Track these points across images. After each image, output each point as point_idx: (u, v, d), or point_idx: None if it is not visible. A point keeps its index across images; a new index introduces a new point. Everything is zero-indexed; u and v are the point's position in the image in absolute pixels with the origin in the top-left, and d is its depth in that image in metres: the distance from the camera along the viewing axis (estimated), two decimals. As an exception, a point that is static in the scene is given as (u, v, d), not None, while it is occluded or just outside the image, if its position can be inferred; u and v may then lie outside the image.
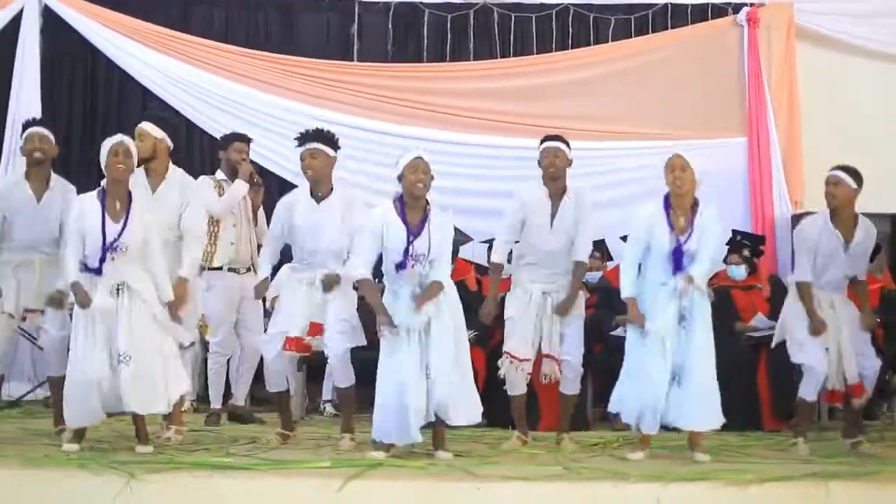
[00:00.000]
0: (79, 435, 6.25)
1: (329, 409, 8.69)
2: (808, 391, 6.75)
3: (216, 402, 8.04)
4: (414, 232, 6.19)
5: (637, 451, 6.28)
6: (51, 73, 10.30)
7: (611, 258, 9.28)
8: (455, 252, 8.38)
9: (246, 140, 8.10)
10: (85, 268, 6.19)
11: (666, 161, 6.37)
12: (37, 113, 9.97)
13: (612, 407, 6.55)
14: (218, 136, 10.05)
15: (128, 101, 10.38)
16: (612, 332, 8.37)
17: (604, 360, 8.19)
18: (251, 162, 8.16)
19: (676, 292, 6.21)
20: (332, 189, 6.76)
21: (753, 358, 8.07)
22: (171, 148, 7.01)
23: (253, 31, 10.62)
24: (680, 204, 6.32)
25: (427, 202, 6.28)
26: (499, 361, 6.84)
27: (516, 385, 6.82)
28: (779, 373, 8.11)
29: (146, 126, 6.96)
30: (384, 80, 10.37)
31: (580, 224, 6.74)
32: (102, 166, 6.30)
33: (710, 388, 6.24)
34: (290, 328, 6.58)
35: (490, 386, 7.85)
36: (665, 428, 6.35)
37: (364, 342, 6.68)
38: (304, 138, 6.73)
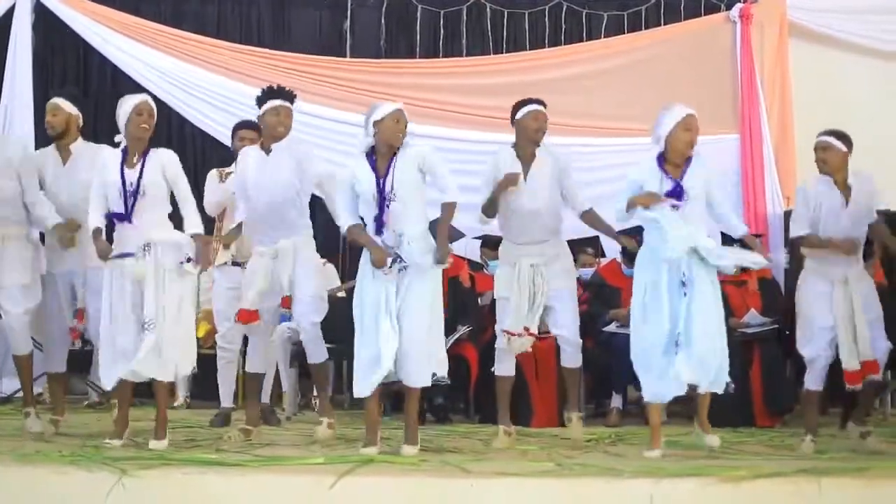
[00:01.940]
0: (120, 430, 6.33)
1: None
2: (810, 381, 6.67)
3: (226, 401, 7.83)
4: (382, 174, 6.12)
5: (654, 449, 6.19)
6: (43, 68, 10.30)
7: (603, 254, 9.29)
8: (448, 248, 8.38)
9: (251, 126, 7.80)
10: (113, 220, 6.30)
11: (679, 118, 6.37)
12: (29, 108, 9.99)
13: (637, 368, 6.40)
14: (210, 131, 10.09)
15: (120, 96, 10.27)
16: (605, 328, 8.37)
17: (596, 356, 8.20)
18: None
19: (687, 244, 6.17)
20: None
21: (746, 354, 8.08)
22: (81, 125, 7.10)
23: (245, 27, 10.63)
24: (676, 159, 6.30)
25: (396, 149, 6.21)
26: (496, 342, 6.73)
27: (505, 365, 6.73)
28: (772, 369, 8.13)
29: (59, 101, 7.04)
30: (377, 76, 10.38)
31: (564, 179, 6.70)
32: (122, 123, 6.41)
33: (714, 351, 6.17)
34: (257, 300, 6.59)
35: (482, 383, 7.87)
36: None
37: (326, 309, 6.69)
38: (271, 94, 6.67)
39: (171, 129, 10.32)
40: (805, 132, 10.18)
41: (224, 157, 9.98)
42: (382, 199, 6.11)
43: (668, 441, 6.37)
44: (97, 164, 6.53)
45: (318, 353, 6.75)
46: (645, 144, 9.72)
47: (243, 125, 7.90)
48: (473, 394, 8.26)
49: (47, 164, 7.00)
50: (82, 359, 7.68)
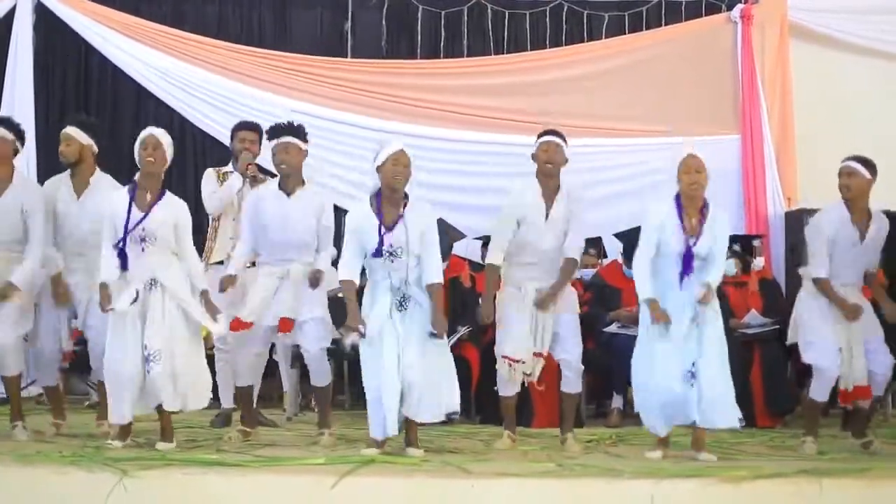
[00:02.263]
0: (125, 432, 6.30)
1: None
2: (819, 392, 6.62)
3: (226, 402, 7.75)
4: (388, 225, 6.11)
5: (656, 450, 6.20)
6: (44, 69, 10.29)
7: (605, 255, 9.28)
8: (449, 249, 8.38)
9: (251, 128, 7.83)
10: (119, 263, 6.27)
11: (680, 161, 6.23)
12: (30, 109, 9.99)
13: (638, 407, 6.40)
14: (210, 131, 10.09)
15: (121, 97, 10.38)
16: (606, 329, 8.37)
17: (597, 357, 8.20)
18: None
19: (692, 299, 6.15)
20: (302, 183, 6.72)
21: (747, 355, 8.07)
22: (97, 153, 6.98)
23: (246, 28, 10.62)
24: (692, 205, 6.24)
25: (405, 196, 6.20)
26: (497, 366, 6.68)
27: (509, 386, 6.70)
28: (772, 370, 8.13)
29: (71, 130, 6.92)
30: (378, 77, 10.38)
31: (572, 221, 6.61)
32: (137, 160, 6.39)
33: (724, 386, 6.16)
34: (258, 315, 6.60)
35: (483, 383, 7.87)
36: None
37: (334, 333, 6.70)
38: (275, 132, 6.69)
39: (171, 129, 10.16)
40: (806, 132, 10.23)
41: (225, 157, 10.00)
42: (379, 254, 6.11)
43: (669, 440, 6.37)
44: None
45: (322, 376, 6.77)
46: (646, 144, 9.87)
47: (243, 126, 7.88)
48: (474, 394, 8.25)
49: (60, 194, 6.93)
50: (82, 359, 7.66)
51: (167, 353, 6.14)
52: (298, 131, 6.70)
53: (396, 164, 6.12)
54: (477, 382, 8.08)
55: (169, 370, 6.15)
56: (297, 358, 7.97)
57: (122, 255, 6.26)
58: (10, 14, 10.19)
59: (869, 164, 6.61)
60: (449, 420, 6.39)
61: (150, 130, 6.42)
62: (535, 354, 6.59)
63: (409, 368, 6.05)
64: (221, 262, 7.65)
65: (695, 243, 6.16)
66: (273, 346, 8.02)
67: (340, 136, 10.01)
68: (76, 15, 10.23)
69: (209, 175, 7.78)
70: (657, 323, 6.16)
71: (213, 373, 7.87)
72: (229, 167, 7.82)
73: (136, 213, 6.25)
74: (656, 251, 6.25)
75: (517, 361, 6.55)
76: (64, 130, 6.98)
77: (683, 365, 6.12)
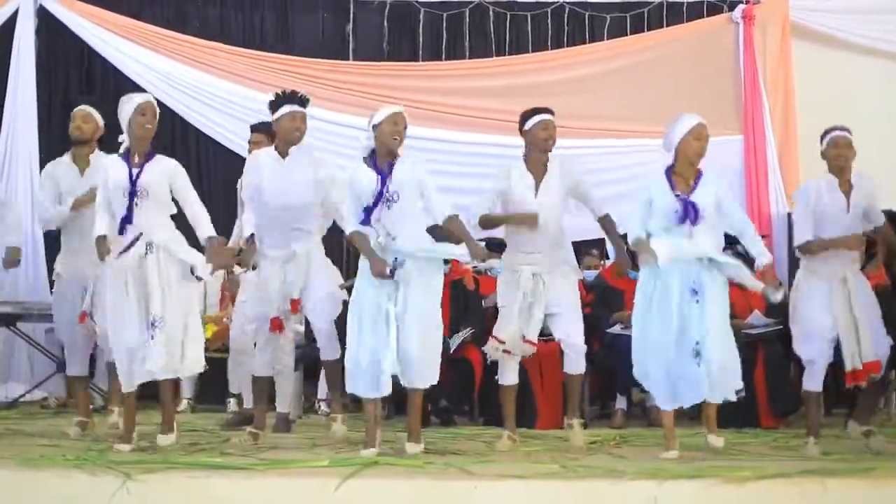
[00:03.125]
0: (129, 424, 6.36)
1: (324, 408, 8.68)
2: (810, 383, 6.63)
3: (282, 406, 7.55)
4: (384, 172, 6.17)
5: (670, 450, 6.17)
6: (46, 73, 10.30)
7: (607, 257, 9.28)
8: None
9: (257, 129, 7.86)
10: (118, 226, 6.30)
11: (691, 128, 6.33)
12: (33, 113, 10.01)
13: (637, 375, 6.43)
14: (213, 135, 10.11)
15: (133, 94, 10.36)
16: (609, 330, 8.37)
17: (601, 358, 8.20)
18: None
19: (695, 262, 6.17)
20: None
21: (750, 356, 8.06)
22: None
23: (248, 31, 10.63)
24: (689, 170, 6.30)
25: (396, 156, 6.26)
26: (484, 347, 6.73)
27: (508, 374, 6.71)
28: (775, 371, 8.12)
29: (91, 110, 7.21)
30: (380, 79, 10.39)
31: (580, 187, 6.68)
32: (125, 123, 6.44)
33: (729, 362, 6.20)
34: (273, 310, 6.63)
35: (487, 385, 7.86)
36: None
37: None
38: (290, 100, 6.73)
39: (174, 132, 10.32)
40: (808, 133, 10.18)
41: (227, 160, 10.03)
42: (379, 198, 6.14)
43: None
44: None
45: (331, 349, 6.80)
46: (648, 145, 9.86)
47: (252, 129, 7.91)
48: (478, 396, 8.26)
49: (62, 175, 7.04)
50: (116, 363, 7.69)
51: (166, 319, 6.17)
52: (304, 101, 6.77)
53: (395, 124, 6.23)
54: (480, 384, 8.08)
55: (165, 338, 6.17)
56: (300, 360, 7.97)
57: (124, 220, 6.28)
58: (13, 18, 10.21)
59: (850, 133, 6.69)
60: (438, 387, 6.43)
61: (148, 96, 6.58)
62: (524, 340, 6.59)
63: (407, 341, 6.06)
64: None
65: (690, 194, 6.21)
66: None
67: (342, 138, 10.00)
68: (78, 18, 10.25)
69: None
70: (647, 257, 6.22)
71: (222, 374, 7.99)
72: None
73: (132, 172, 6.31)
74: (658, 223, 6.27)
75: (502, 342, 6.57)
76: (83, 107, 7.27)
77: (683, 335, 6.14)
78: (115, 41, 10.24)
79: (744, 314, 8.32)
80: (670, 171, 6.34)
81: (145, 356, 6.18)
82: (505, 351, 6.61)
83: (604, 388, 8.62)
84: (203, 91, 10.19)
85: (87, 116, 7.20)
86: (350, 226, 6.27)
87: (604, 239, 8.97)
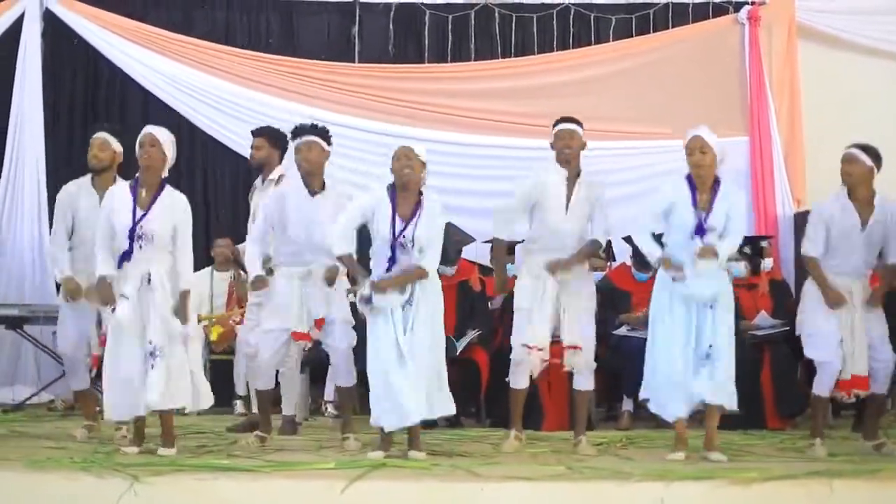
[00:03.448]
0: (139, 437, 6.36)
1: (331, 410, 8.68)
2: (821, 387, 6.64)
3: (288, 409, 7.57)
4: (403, 218, 6.22)
5: (677, 452, 6.18)
6: (52, 76, 10.30)
7: (614, 258, 9.27)
8: (458, 253, 8.39)
9: (258, 134, 7.86)
10: (117, 261, 6.32)
11: (686, 142, 6.36)
12: (39, 116, 10.01)
13: (643, 393, 6.45)
14: (219, 137, 10.11)
15: (129, 103, 10.38)
16: (615, 332, 8.36)
17: (607, 360, 8.19)
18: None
19: (706, 279, 6.20)
20: (324, 184, 6.75)
21: (756, 357, 8.06)
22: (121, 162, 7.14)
23: (254, 33, 10.62)
24: (702, 183, 6.32)
25: (421, 193, 6.30)
26: (513, 354, 6.67)
27: (520, 378, 6.69)
28: (782, 372, 8.11)
29: (109, 137, 7.12)
30: (385, 82, 10.38)
31: (595, 207, 6.65)
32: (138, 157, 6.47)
33: (731, 371, 6.22)
34: (293, 323, 6.59)
35: (493, 386, 7.87)
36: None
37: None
38: (299, 131, 6.76)
39: (180, 135, 10.25)
40: (814, 133, 10.21)
41: (233, 162, 10.03)
42: (395, 243, 6.21)
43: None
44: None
45: (348, 375, 6.80)
46: (654, 147, 9.86)
47: (253, 133, 7.92)
48: (484, 398, 8.25)
49: (80, 199, 7.04)
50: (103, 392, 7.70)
51: (165, 348, 6.17)
52: (322, 132, 6.77)
53: (399, 159, 6.29)
54: (486, 386, 8.07)
55: (165, 366, 6.16)
56: (307, 363, 7.98)
57: (124, 256, 6.29)
58: (19, 21, 10.20)
59: (870, 152, 6.68)
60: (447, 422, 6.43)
61: (148, 129, 6.49)
62: (566, 347, 6.60)
63: (413, 373, 6.10)
64: None
65: (706, 217, 6.23)
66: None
67: (348, 140, 9.97)
68: (84, 22, 10.25)
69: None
70: (673, 274, 6.25)
71: (228, 376, 7.98)
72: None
73: (137, 212, 6.29)
74: (668, 227, 6.33)
75: (536, 349, 6.55)
76: (99, 135, 7.18)
77: (690, 345, 6.17)
78: (121, 44, 10.24)
79: (750, 315, 8.32)
80: (692, 182, 6.35)
81: (145, 385, 6.16)
82: (539, 349, 6.56)
83: (610, 390, 8.61)
84: (209, 94, 10.19)
85: (103, 144, 7.16)
86: (340, 248, 6.32)
87: (609, 240, 9.00)
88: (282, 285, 6.68)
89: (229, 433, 7.36)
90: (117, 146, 7.15)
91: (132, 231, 6.25)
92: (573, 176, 6.66)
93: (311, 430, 7.64)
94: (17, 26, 10.21)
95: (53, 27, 10.31)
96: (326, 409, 8.75)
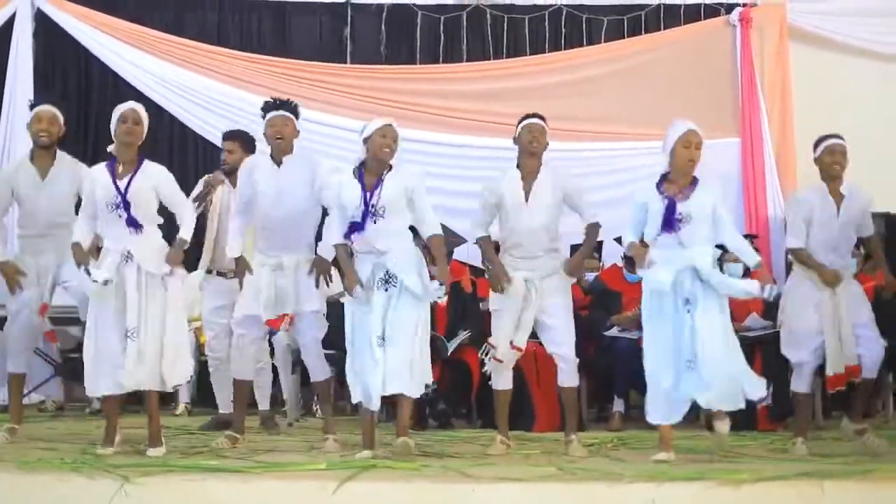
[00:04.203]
0: (110, 438, 6.33)
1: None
2: (798, 385, 6.78)
3: (224, 407, 7.74)
4: (369, 189, 6.18)
5: (661, 452, 6.15)
6: (44, 76, 10.31)
7: (601, 261, 9.27)
8: (449, 254, 8.38)
9: (230, 137, 7.82)
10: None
11: (681, 134, 6.25)
12: (29, 116, 9.98)
13: (649, 417, 6.37)
14: (211, 138, 10.10)
15: (121, 104, 10.36)
16: (607, 333, 8.37)
17: (599, 361, 8.20)
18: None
19: (680, 257, 6.15)
20: (292, 151, 6.71)
21: (747, 358, 8.04)
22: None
23: (246, 34, 10.64)
24: (682, 178, 6.24)
25: (390, 167, 6.26)
26: (479, 352, 6.70)
27: (501, 379, 6.68)
28: (773, 373, 8.10)
29: (56, 111, 7.06)
30: (377, 82, 10.40)
31: (574, 196, 6.62)
32: (113, 132, 6.43)
33: (726, 370, 6.13)
34: (264, 312, 6.55)
35: (484, 387, 7.84)
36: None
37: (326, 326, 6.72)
38: (271, 106, 6.70)
39: (172, 136, 10.34)
40: (805, 135, 10.16)
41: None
42: (366, 213, 6.16)
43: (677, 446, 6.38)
44: (78, 180, 6.66)
45: (320, 369, 6.77)
46: (646, 148, 9.87)
47: (224, 136, 7.90)
48: (475, 399, 8.26)
49: (21, 178, 6.95)
50: (82, 367, 7.67)
51: (141, 330, 6.13)
52: (290, 106, 6.71)
53: (385, 136, 6.23)
54: (478, 387, 8.07)
55: (139, 349, 6.12)
56: (297, 363, 7.97)
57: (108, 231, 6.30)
58: (10, 21, 10.21)
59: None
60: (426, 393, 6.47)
61: (131, 104, 6.47)
62: (511, 346, 6.56)
63: (393, 352, 6.07)
64: (211, 272, 7.66)
65: (679, 201, 6.15)
66: (272, 350, 8.03)
67: (341, 141, 10.00)
68: (75, 22, 10.26)
69: (202, 182, 7.82)
70: (638, 262, 6.25)
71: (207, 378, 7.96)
72: (221, 176, 7.84)
73: (119, 185, 6.26)
74: (652, 232, 6.25)
75: (494, 348, 6.57)
76: (48, 108, 7.09)
77: (677, 353, 6.12)
78: (113, 44, 10.25)
79: (741, 316, 8.32)
80: (663, 179, 6.31)
81: (118, 367, 6.14)
82: (496, 359, 6.59)
83: (601, 391, 8.62)
84: (200, 94, 10.20)
85: (53, 118, 7.03)
86: (334, 238, 6.32)
87: (601, 241, 9.00)
88: (256, 279, 6.62)
89: (200, 432, 7.36)
90: (61, 119, 7.04)
91: (116, 202, 6.21)
92: (533, 171, 6.64)
93: (302, 431, 7.64)
94: (8, 26, 10.21)
95: (45, 28, 10.31)
96: (317, 410, 8.73)
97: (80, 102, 10.46)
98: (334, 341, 6.93)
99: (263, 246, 6.69)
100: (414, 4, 10.60)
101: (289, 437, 7.33)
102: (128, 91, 10.26)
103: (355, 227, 6.17)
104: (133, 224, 6.22)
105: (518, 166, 6.71)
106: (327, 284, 6.64)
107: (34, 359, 9.14)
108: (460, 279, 8.44)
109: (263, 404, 7.77)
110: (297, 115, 6.73)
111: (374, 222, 6.16)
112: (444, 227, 8.27)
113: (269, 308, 6.55)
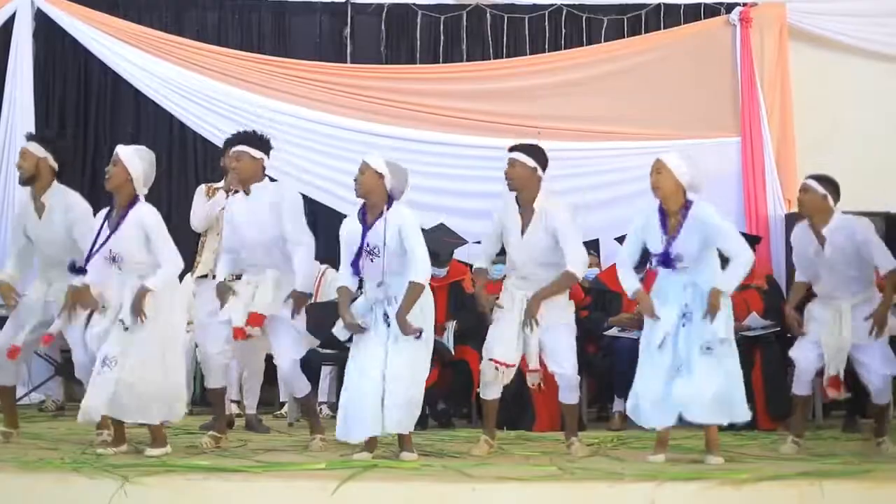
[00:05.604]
0: (118, 440, 6.38)
1: (326, 410, 8.70)
2: (797, 386, 6.82)
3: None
4: (367, 226, 6.23)
5: (657, 454, 6.17)
6: (44, 76, 10.31)
7: (599, 261, 9.28)
8: (450, 254, 8.39)
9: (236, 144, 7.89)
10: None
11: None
12: (30, 116, 10.01)
13: (630, 412, 6.43)
14: (211, 138, 10.09)
15: (121, 104, 10.39)
16: (607, 333, 8.37)
17: (598, 361, 8.21)
18: None
19: (682, 290, 6.19)
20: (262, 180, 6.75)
21: (748, 358, 8.04)
22: (57, 168, 6.95)
23: (246, 34, 10.62)
24: (668, 206, 6.28)
25: (388, 206, 6.26)
26: (482, 366, 6.65)
27: (491, 389, 6.64)
28: (773, 373, 8.12)
29: (28, 145, 6.95)
30: (377, 82, 10.38)
31: (559, 236, 6.46)
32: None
33: (715, 384, 6.12)
34: (234, 319, 6.55)
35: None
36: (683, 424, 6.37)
37: (311, 345, 6.80)
38: (229, 142, 6.79)
39: (172, 136, 10.33)
40: (805, 135, 10.24)
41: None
42: (360, 251, 6.23)
43: (670, 444, 6.36)
44: (72, 211, 6.71)
45: (299, 387, 6.81)
46: (646, 148, 9.87)
47: (228, 142, 7.89)
48: (476, 399, 8.24)
49: (28, 217, 6.95)
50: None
51: (122, 363, 6.12)
52: (252, 139, 6.73)
53: (358, 175, 6.28)
54: (478, 387, 8.07)
55: (118, 379, 6.11)
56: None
57: (85, 271, 6.39)
58: (10, 21, 10.21)
59: (825, 181, 6.75)
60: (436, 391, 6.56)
61: (116, 148, 6.47)
62: (529, 370, 6.57)
63: (391, 387, 6.07)
64: (206, 276, 7.68)
65: (672, 242, 6.19)
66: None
67: (341, 141, 10.02)
68: (75, 22, 10.24)
69: (200, 192, 7.90)
70: (646, 313, 6.27)
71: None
72: (220, 183, 7.87)
73: (105, 233, 6.31)
74: (646, 252, 6.33)
75: (504, 365, 6.52)
76: (25, 145, 7.00)
77: (667, 361, 6.15)
78: (113, 44, 10.23)
79: (741, 316, 8.32)
80: (663, 210, 6.33)
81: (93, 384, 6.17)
82: (506, 365, 6.53)
83: (601, 391, 8.62)
84: (200, 94, 10.18)
85: (23, 154, 6.93)
86: (339, 279, 6.41)
87: (598, 240, 9.01)
88: (239, 287, 6.67)
89: (201, 432, 7.38)
90: (39, 152, 6.88)
91: (102, 251, 6.29)
92: (526, 204, 6.57)
93: (302, 432, 7.63)
94: (8, 27, 10.20)
95: (45, 28, 10.30)
96: (321, 409, 8.74)
97: (80, 103, 10.45)
98: (335, 341, 6.93)
99: (247, 267, 6.75)
100: (414, 4, 10.59)
101: (289, 438, 7.33)
102: (127, 91, 10.30)
103: (355, 265, 6.26)
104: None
105: (516, 199, 6.65)
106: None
107: (32, 358, 9.20)
108: (461, 279, 8.44)
109: (251, 407, 7.88)
110: (259, 147, 6.72)
111: (371, 261, 6.21)
112: (444, 227, 8.34)
113: (240, 311, 6.55)
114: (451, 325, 8.14)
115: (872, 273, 6.77)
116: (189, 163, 10.28)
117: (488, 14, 10.59)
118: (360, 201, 6.32)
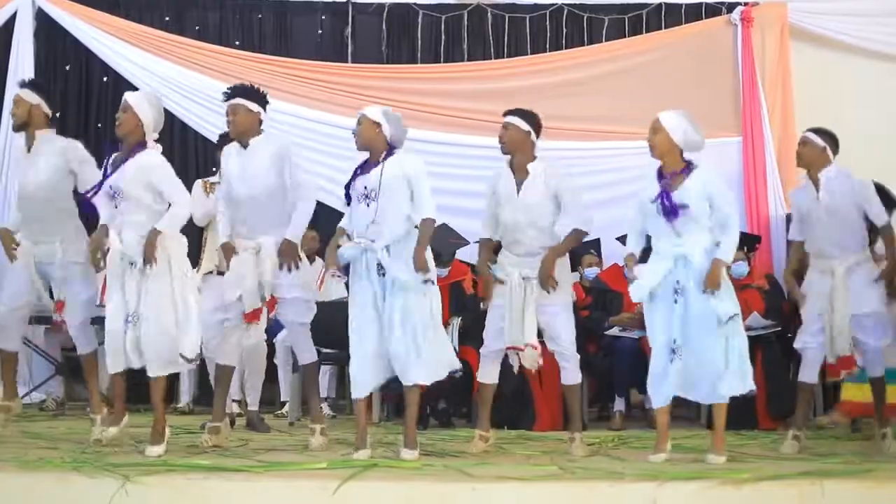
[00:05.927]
0: (119, 417, 6.48)
1: (327, 410, 8.70)
2: (804, 374, 6.80)
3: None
4: (363, 170, 6.31)
5: (658, 453, 6.15)
6: (45, 76, 10.29)
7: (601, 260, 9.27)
8: (452, 255, 8.39)
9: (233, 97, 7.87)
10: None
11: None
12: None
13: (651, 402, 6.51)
14: (212, 137, 10.07)
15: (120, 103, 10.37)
16: (607, 332, 8.37)
17: (599, 361, 8.21)
18: None
19: (673, 263, 6.18)
20: (259, 134, 6.71)
21: (749, 357, 8.05)
22: (50, 115, 7.03)
23: (247, 33, 10.62)
24: (665, 165, 6.32)
25: (388, 154, 6.34)
26: (481, 349, 6.68)
27: (486, 372, 6.68)
28: (774, 372, 8.12)
29: (20, 92, 7.00)
30: (378, 82, 10.38)
31: (562, 195, 6.51)
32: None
33: (713, 361, 6.12)
34: (245, 301, 6.54)
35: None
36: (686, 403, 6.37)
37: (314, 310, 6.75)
38: (226, 95, 6.73)
39: (173, 135, 10.31)
40: (807, 134, 10.20)
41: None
42: (352, 195, 6.33)
43: (671, 444, 6.36)
44: (65, 155, 6.76)
45: (306, 352, 6.80)
46: (645, 148, 9.81)
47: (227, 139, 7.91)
48: (474, 397, 8.25)
49: (21, 164, 7.06)
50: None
51: (141, 317, 6.19)
52: (248, 92, 6.71)
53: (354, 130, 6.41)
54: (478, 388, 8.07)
55: (141, 335, 6.20)
56: (297, 363, 7.97)
57: (90, 206, 6.46)
58: (11, 20, 10.21)
59: (825, 134, 6.78)
60: (440, 387, 6.55)
61: (125, 95, 6.55)
62: (531, 346, 6.51)
63: (395, 337, 6.15)
64: (211, 272, 7.69)
65: (672, 190, 6.20)
66: (273, 351, 8.03)
67: (340, 140, 9.97)
68: (76, 21, 10.25)
69: (197, 187, 7.88)
70: (629, 272, 6.34)
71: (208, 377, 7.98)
72: (217, 178, 7.85)
73: (110, 171, 6.37)
74: (651, 221, 6.31)
75: (519, 349, 6.49)
76: (15, 94, 7.04)
77: (669, 334, 6.17)
78: (114, 44, 10.24)
79: (742, 315, 8.31)
80: (661, 173, 6.35)
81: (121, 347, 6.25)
82: (533, 346, 6.48)
83: (602, 390, 8.62)
84: (201, 94, 10.17)
85: (16, 101, 6.97)
86: (343, 220, 6.49)
87: (599, 239, 9.00)
88: (238, 267, 6.61)
89: (202, 431, 7.36)
90: (32, 98, 6.93)
91: (105, 187, 6.33)
92: (521, 166, 6.62)
93: (303, 431, 7.63)
94: (9, 26, 10.21)
95: (46, 27, 10.31)
96: (321, 408, 8.73)
97: (81, 102, 10.46)
98: (335, 341, 6.94)
99: (241, 230, 6.68)
100: (415, 4, 10.59)
101: (290, 437, 7.33)
102: (128, 90, 10.22)
103: (347, 200, 6.36)
104: None
105: (509, 163, 6.70)
106: (297, 268, 6.59)
107: (33, 357, 9.21)
108: (461, 280, 8.45)
109: (252, 405, 7.86)
110: (255, 99, 6.70)
111: (368, 206, 6.22)
112: (446, 227, 8.32)
113: (251, 296, 6.53)
114: (456, 322, 8.14)
115: (866, 235, 6.76)
116: (190, 162, 10.26)
117: (489, 14, 10.59)
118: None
